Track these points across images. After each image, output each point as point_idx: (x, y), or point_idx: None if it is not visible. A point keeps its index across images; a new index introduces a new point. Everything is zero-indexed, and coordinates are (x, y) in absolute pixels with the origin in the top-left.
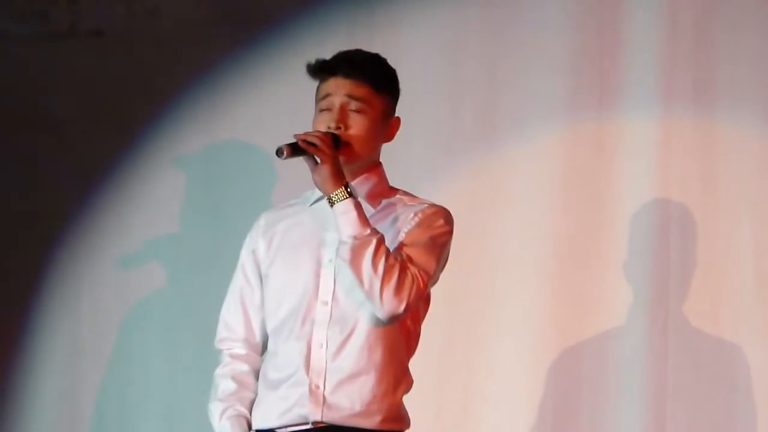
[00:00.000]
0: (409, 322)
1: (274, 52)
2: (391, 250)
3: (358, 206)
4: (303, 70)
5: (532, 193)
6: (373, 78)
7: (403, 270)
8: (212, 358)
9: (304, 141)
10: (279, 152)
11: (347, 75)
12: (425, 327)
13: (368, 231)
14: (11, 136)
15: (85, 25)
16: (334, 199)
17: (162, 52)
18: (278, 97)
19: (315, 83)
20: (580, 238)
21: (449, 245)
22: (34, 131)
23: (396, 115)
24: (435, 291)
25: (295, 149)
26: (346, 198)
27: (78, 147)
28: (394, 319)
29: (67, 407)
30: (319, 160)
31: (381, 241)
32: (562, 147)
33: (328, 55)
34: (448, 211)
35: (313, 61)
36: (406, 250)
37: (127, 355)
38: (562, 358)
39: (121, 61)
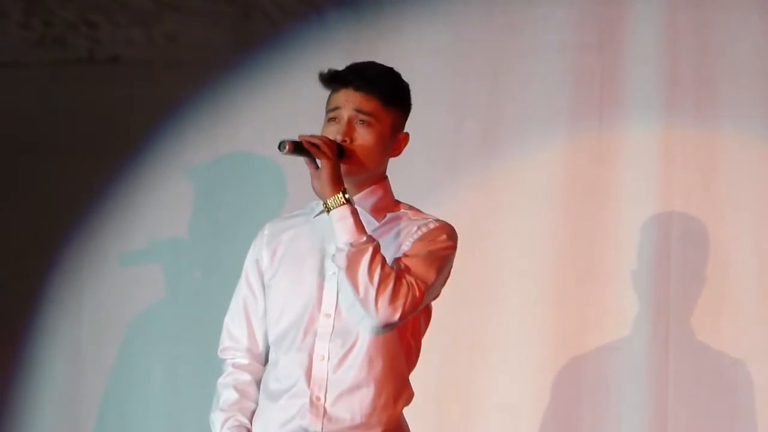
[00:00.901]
0: (409, 335)
1: (276, 62)
2: (392, 264)
3: (354, 213)
4: (306, 79)
5: (533, 205)
6: (384, 92)
7: (398, 278)
8: (214, 367)
9: (308, 142)
10: (281, 146)
11: (358, 88)
12: (427, 339)
13: (364, 238)
14: (29, 159)
15: (103, 51)
16: (330, 204)
17: (180, 78)
18: (281, 107)
19: (318, 93)
20: (581, 250)
21: (452, 260)
22: (52, 156)
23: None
24: (436, 302)
25: (297, 147)
26: (343, 204)
27: (90, 167)
28: (389, 327)
29: (69, 415)
30: (319, 164)
31: (377, 249)
32: (564, 159)
33: (330, 66)
34: (452, 227)
35: (325, 70)
36: (405, 261)
37: (128, 363)
38: (563, 370)
39: (140, 86)
